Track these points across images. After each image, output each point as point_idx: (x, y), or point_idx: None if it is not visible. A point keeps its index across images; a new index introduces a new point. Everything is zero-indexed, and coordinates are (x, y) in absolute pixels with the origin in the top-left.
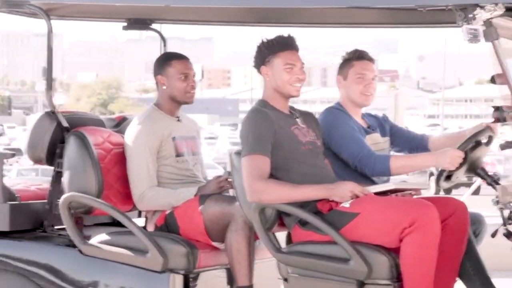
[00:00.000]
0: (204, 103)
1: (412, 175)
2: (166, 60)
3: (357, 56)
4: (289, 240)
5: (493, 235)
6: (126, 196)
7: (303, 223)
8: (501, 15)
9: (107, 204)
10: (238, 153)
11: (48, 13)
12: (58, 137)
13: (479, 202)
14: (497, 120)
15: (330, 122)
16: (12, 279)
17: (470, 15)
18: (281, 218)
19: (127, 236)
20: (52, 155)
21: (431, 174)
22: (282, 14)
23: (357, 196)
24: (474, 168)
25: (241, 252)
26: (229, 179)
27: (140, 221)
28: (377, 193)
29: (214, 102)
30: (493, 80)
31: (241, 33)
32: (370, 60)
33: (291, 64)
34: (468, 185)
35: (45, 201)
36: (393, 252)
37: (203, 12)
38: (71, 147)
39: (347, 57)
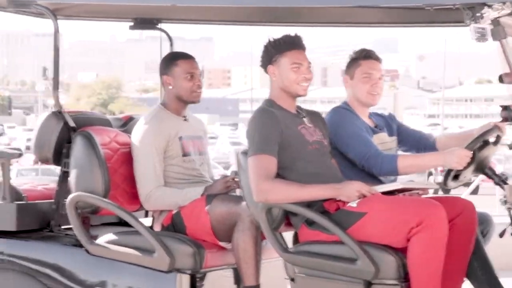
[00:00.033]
0: (204, 103)
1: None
2: (172, 60)
3: (364, 56)
4: (296, 239)
5: (501, 235)
6: (132, 196)
7: (310, 223)
8: (509, 14)
9: (113, 204)
10: (245, 153)
11: (54, 13)
12: (65, 137)
13: (478, 201)
14: (505, 119)
15: (337, 121)
16: (19, 279)
17: (478, 14)
18: (288, 218)
19: (134, 236)
20: (59, 155)
21: (430, 173)
22: (288, 14)
23: (364, 196)
24: (482, 168)
25: (248, 252)
26: (236, 179)
27: (147, 221)
28: (384, 193)
29: (214, 102)
30: (501, 79)
31: (241, 33)
32: (377, 59)
33: (298, 63)
34: (467, 184)
35: (52, 201)
36: (400, 252)
37: (209, 11)
38: (78, 147)
39: (354, 57)
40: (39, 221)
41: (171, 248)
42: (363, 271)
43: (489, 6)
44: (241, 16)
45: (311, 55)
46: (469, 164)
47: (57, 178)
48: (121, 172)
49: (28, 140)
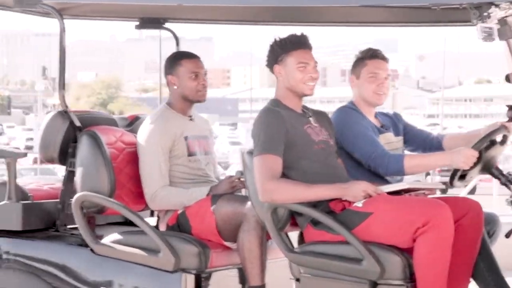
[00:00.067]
0: (204, 103)
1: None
2: (176, 59)
3: (370, 55)
4: (301, 240)
5: (507, 235)
6: (138, 195)
7: (316, 223)
8: None
9: (119, 204)
10: (250, 153)
11: (61, 12)
12: (71, 137)
13: None
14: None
15: (343, 121)
16: (24, 278)
17: (485, 14)
18: (293, 218)
19: (139, 236)
20: (65, 154)
21: (427, 173)
22: (294, 14)
23: (370, 196)
24: (489, 168)
25: (253, 252)
26: (241, 179)
27: (152, 221)
28: (390, 193)
29: (214, 102)
30: (508, 78)
31: (241, 33)
32: (384, 59)
33: (305, 62)
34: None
35: (58, 200)
36: (406, 252)
37: (215, 11)
38: (84, 147)
39: (360, 56)
40: (45, 221)
41: (176, 248)
42: (369, 272)
43: (496, 6)
44: (246, 16)
45: None
46: (475, 164)
47: (55, 178)
48: (127, 172)
49: (28, 139)
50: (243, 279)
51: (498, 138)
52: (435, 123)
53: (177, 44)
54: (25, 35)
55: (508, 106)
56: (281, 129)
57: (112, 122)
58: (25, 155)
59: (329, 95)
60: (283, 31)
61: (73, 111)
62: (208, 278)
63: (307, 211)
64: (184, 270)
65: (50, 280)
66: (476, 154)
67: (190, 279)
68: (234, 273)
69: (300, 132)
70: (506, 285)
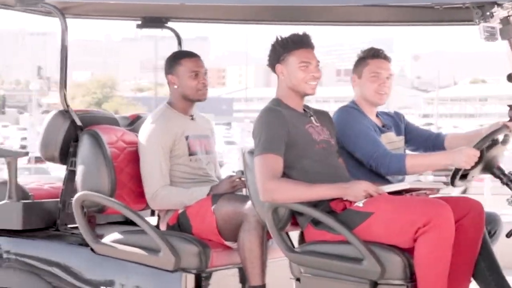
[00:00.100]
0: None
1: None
2: (176, 59)
3: (372, 55)
4: (302, 239)
5: (508, 235)
6: (139, 195)
7: (316, 223)
8: None
9: (120, 203)
10: (251, 152)
11: (63, 11)
12: (72, 136)
13: None
14: None
15: (345, 120)
16: (25, 278)
17: (488, 13)
18: (294, 218)
19: (140, 235)
20: (66, 153)
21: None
22: (300, 13)
23: (371, 196)
24: (490, 167)
25: (253, 251)
26: (242, 178)
27: (153, 220)
28: (391, 193)
29: (209, 101)
30: (510, 78)
31: (236, 33)
32: (386, 58)
33: (307, 62)
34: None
35: (58, 199)
36: (407, 252)
37: (217, 10)
38: (85, 146)
39: (362, 56)
40: (45, 220)
41: (177, 248)
42: (369, 271)
43: (499, 5)
44: (247, 15)
45: None
46: (477, 164)
47: (49, 177)
48: (128, 171)
49: (22, 139)
50: (243, 278)
51: (500, 137)
52: (429, 122)
53: (179, 43)
54: (20, 35)
55: (509, 106)
56: (282, 129)
57: (114, 121)
58: (26, 154)
59: (324, 94)
60: (280, 30)
61: (74, 110)
62: (208, 277)
63: (307, 211)
64: (184, 270)
65: (50, 280)
66: (477, 153)
67: (190, 279)
68: (234, 273)
69: (301, 132)
70: (507, 285)
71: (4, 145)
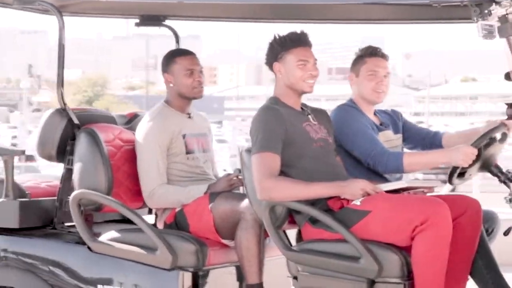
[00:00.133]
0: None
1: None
2: (171, 57)
3: (370, 53)
4: (299, 237)
5: (506, 233)
6: (136, 193)
7: (314, 221)
8: None
9: (117, 202)
10: (249, 151)
11: (60, 9)
12: (69, 134)
13: None
14: (511, 117)
15: (342, 119)
16: (22, 276)
17: (486, 11)
18: (291, 216)
19: (137, 234)
20: (63, 152)
21: None
22: (293, 11)
23: (368, 194)
24: (488, 165)
25: (251, 250)
26: (239, 177)
27: (150, 219)
28: (388, 191)
29: (200, 100)
30: (508, 76)
31: (228, 31)
32: (383, 57)
33: (304, 60)
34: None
35: (55, 198)
36: (404, 251)
37: (216, 8)
38: (82, 144)
39: (359, 54)
40: (42, 218)
41: (174, 246)
42: (367, 270)
43: (497, 3)
44: (245, 13)
45: None
46: (474, 162)
47: (39, 175)
48: (125, 170)
49: (13, 137)
50: (240, 277)
51: (498, 135)
52: (420, 121)
53: (177, 41)
54: (11, 33)
55: (507, 104)
56: (280, 127)
57: (111, 120)
58: (22, 152)
59: (315, 93)
60: (274, 29)
61: (72, 108)
62: (205, 276)
63: (305, 209)
64: (181, 268)
65: (47, 278)
66: (475, 151)
67: (188, 277)
68: (231, 271)
69: (299, 130)
70: (504, 283)
71: None
